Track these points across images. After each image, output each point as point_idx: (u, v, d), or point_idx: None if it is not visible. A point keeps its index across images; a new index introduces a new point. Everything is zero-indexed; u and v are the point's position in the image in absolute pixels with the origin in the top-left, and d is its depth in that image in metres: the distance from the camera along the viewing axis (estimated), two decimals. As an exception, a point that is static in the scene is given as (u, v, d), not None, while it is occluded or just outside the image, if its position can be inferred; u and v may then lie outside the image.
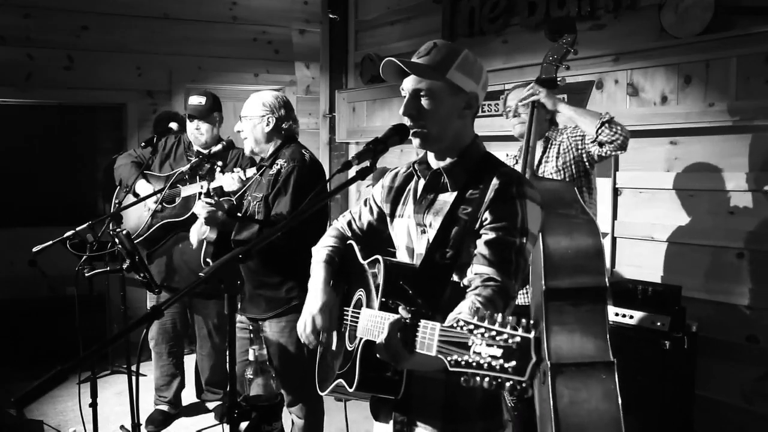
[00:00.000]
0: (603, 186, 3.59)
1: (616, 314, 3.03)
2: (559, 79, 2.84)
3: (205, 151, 3.73)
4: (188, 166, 3.42)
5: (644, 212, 3.47)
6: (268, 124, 2.82)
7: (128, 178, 3.70)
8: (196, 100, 3.68)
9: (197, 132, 3.67)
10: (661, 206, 3.40)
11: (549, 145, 2.96)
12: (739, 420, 3.09)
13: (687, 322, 2.96)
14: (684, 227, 3.31)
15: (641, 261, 3.46)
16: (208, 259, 2.77)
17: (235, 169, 3.21)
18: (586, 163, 2.88)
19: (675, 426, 2.90)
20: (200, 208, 2.71)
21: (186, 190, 3.51)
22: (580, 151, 2.86)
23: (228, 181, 3.18)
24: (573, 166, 2.88)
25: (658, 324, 2.90)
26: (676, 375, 2.88)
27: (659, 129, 3.32)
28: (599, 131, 2.67)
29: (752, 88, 2.91)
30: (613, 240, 3.58)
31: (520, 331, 1.10)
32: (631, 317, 2.99)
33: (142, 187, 3.61)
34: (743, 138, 3.08)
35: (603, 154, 2.75)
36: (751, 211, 3.06)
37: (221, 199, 2.82)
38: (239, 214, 2.81)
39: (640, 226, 3.47)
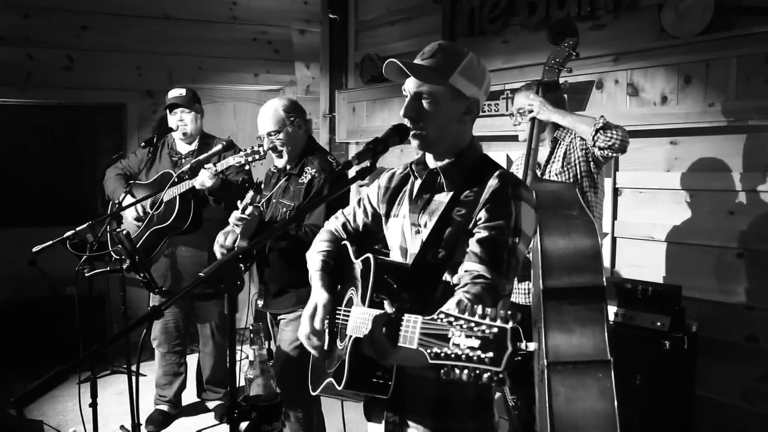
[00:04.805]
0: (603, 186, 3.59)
1: (616, 314, 3.03)
2: (561, 81, 2.86)
3: (192, 147, 3.76)
4: (186, 167, 3.43)
5: (644, 212, 3.47)
6: (300, 127, 2.83)
7: (113, 191, 3.72)
8: (177, 91, 3.73)
9: (181, 123, 3.69)
10: (661, 206, 3.40)
11: (557, 146, 2.97)
12: (739, 420, 3.08)
13: (687, 322, 2.96)
14: (684, 227, 3.30)
15: (641, 261, 3.46)
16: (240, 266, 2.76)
17: (206, 166, 3.22)
18: (591, 164, 2.89)
19: (675, 426, 2.90)
20: (235, 220, 2.66)
21: (167, 194, 3.51)
22: (585, 151, 2.87)
23: (203, 177, 3.19)
24: (577, 166, 2.89)
25: (658, 324, 2.89)
26: (676, 375, 2.88)
27: (659, 129, 3.32)
28: (595, 138, 2.69)
29: (752, 88, 2.91)
30: (613, 240, 3.58)
31: (498, 322, 1.10)
32: (631, 317, 2.98)
33: (130, 199, 3.60)
34: (743, 138, 3.08)
35: (605, 156, 2.77)
36: (751, 211, 3.06)
37: (252, 207, 2.80)
38: (265, 219, 2.82)
39: (640, 226, 3.47)
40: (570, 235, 2.45)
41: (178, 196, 3.46)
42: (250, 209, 2.67)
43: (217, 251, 2.87)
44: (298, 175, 2.81)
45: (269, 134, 2.81)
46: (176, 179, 3.39)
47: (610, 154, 2.72)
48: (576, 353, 2.31)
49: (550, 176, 2.92)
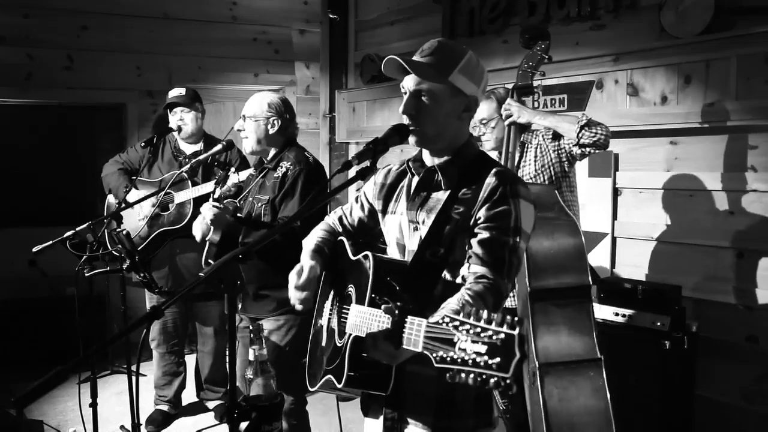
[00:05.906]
0: (603, 186, 3.60)
1: (616, 314, 3.03)
2: (535, 85, 2.87)
3: (196, 147, 3.75)
4: (187, 166, 3.43)
5: (644, 212, 3.47)
6: (273, 126, 2.82)
7: (117, 188, 3.69)
8: (177, 91, 3.73)
9: (181, 123, 3.68)
10: (661, 206, 3.40)
11: (525, 150, 2.97)
12: (739, 420, 3.08)
13: (687, 322, 2.96)
14: (684, 227, 3.30)
15: (641, 261, 3.46)
16: (210, 260, 2.77)
17: (230, 175, 3.21)
18: (566, 163, 2.89)
19: (675, 426, 2.90)
20: (207, 211, 2.70)
21: (179, 197, 3.51)
22: (557, 152, 2.88)
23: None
24: (551, 168, 2.90)
25: (658, 324, 2.89)
26: (676, 375, 2.88)
27: (659, 129, 3.32)
28: (580, 135, 2.70)
29: (752, 88, 2.91)
30: (613, 240, 3.58)
31: (504, 328, 1.10)
32: (631, 317, 2.99)
33: (134, 196, 3.59)
34: (743, 138, 3.08)
35: (586, 153, 2.78)
36: (751, 211, 3.06)
37: (226, 201, 2.82)
38: (239, 215, 2.81)
39: (640, 226, 3.47)
40: (553, 235, 2.47)
41: (192, 200, 3.47)
42: (216, 191, 2.69)
43: (197, 233, 2.83)
44: (273, 170, 2.82)
45: (244, 117, 2.85)
46: (187, 178, 3.41)
47: (592, 150, 2.74)
48: (566, 353, 2.32)
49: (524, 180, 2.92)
